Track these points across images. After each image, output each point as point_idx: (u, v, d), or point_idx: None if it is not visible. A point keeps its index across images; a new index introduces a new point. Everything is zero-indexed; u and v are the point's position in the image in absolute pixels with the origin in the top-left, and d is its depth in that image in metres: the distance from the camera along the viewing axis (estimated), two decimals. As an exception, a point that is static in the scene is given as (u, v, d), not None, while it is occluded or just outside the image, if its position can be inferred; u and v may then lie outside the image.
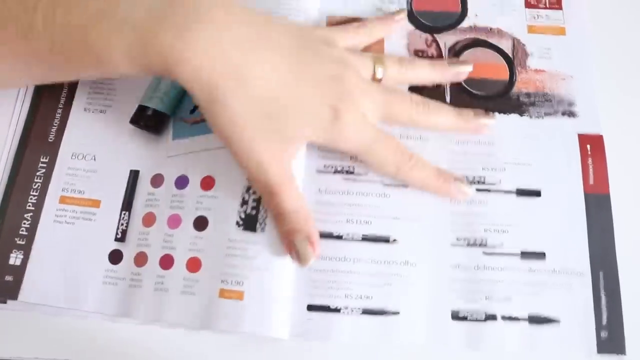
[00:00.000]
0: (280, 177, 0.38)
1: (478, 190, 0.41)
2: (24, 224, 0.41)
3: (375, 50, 0.45)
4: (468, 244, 0.40)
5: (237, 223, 0.39)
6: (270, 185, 0.38)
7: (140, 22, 0.34)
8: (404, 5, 0.47)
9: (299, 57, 0.38)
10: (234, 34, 0.36)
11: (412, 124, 0.42)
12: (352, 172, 0.42)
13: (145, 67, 0.35)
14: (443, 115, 0.42)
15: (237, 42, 0.36)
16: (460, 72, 0.43)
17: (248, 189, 0.40)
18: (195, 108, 0.43)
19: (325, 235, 0.40)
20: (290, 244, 0.38)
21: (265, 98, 0.36)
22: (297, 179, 0.40)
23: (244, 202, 0.40)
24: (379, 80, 0.41)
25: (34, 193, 0.42)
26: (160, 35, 0.34)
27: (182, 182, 0.42)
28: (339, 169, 0.42)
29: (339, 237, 0.40)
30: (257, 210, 0.40)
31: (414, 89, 0.44)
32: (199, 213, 0.41)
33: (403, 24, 0.46)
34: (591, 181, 0.42)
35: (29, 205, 0.42)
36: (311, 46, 0.39)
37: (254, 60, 0.36)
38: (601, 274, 0.40)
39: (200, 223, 0.40)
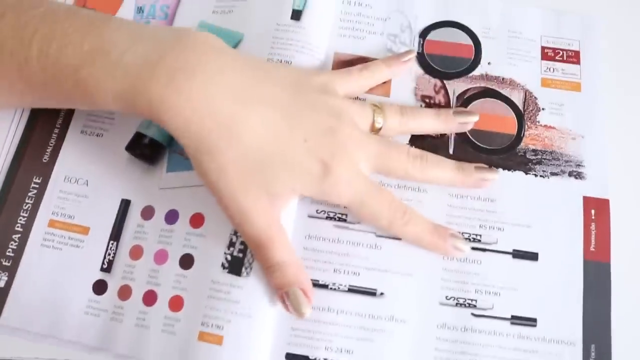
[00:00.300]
0: (268, 230, 0.37)
1: (473, 248, 0.40)
2: (11, 244, 0.41)
3: (381, 92, 0.44)
4: (457, 304, 0.39)
5: (223, 265, 0.39)
6: (257, 238, 0.37)
7: (132, 69, 0.34)
8: (415, 47, 0.46)
9: (292, 109, 0.37)
10: (225, 86, 0.35)
11: (408, 178, 0.41)
12: (344, 220, 0.41)
13: (135, 111, 0.35)
14: (441, 169, 0.40)
15: (228, 95, 0.35)
16: (466, 122, 0.42)
17: (236, 231, 0.39)
18: (191, 141, 0.43)
19: (310, 283, 0.39)
20: (283, 296, 0.38)
21: (254, 151, 0.36)
22: (286, 226, 0.39)
23: (231, 244, 0.39)
24: (378, 130, 0.40)
25: (24, 214, 0.42)
26: (151, 83, 0.34)
27: (172, 216, 0.41)
28: (331, 215, 0.41)
29: (325, 286, 0.40)
30: (244, 253, 0.39)
31: (417, 136, 0.43)
32: (186, 251, 0.40)
33: (410, 65, 0.45)
34: (592, 247, 0.40)
35: (18, 226, 0.41)
36: (306, 96, 0.38)
37: (244, 114, 0.36)
38: (593, 347, 0.38)
39: (186, 261, 0.40)
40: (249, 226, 0.37)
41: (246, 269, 0.39)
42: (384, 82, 0.44)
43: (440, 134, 0.43)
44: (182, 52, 0.35)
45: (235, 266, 0.39)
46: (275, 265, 0.37)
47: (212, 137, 0.35)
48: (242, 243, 0.39)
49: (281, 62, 0.43)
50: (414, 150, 0.40)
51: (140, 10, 0.47)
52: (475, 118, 0.42)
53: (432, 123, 0.42)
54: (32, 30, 0.35)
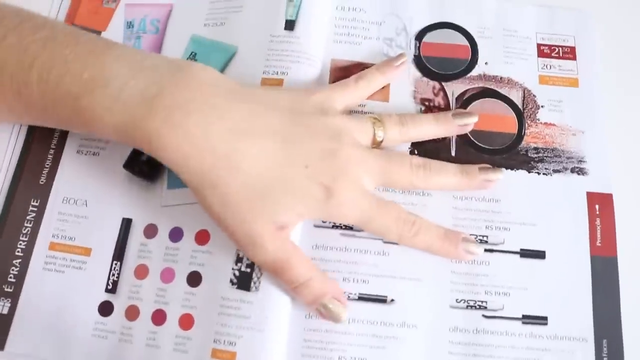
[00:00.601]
0: (282, 253, 0.37)
1: (481, 250, 0.40)
2: (12, 270, 0.40)
3: (380, 97, 0.44)
4: (468, 306, 0.39)
5: (231, 281, 0.38)
6: (273, 264, 0.37)
7: (131, 104, 0.35)
8: (412, 49, 0.45)
9: (290, 136, 0.37)
10: (221, 121, 0.36)
11: (413, 188, 0.41)
12: (350, 228, 0.41)
13: (134, 144, 0.36)
14: (445, 175, 0.40)
15: (225, 130, 0.36)
16: (465, 124, 0.42)
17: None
18: (191, 155, 0.42)
19: (320, 294, 0.39)
20: (320, 309, 0.38)
21: (256, 181, 0.36)
22: (293, 237, 0.39)
23: (239, 260, 0.39)
24: (380, 143, 0.40)
25: (24, 238, 0.41)
26: (149, 120, 0.34)
27: (176, 234, 0.40)
28: (337, 223, 0.41)
29: (335, 296, 0.39)
30: (252, 268, 0.39)
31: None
32: (193, 268, 0.39)
33: (403, 69, 0.44)
34: (598, 243, 0.41)
35: (18, 251, 0.41)
36: (304, 121, 0.38)
37: (243, 146, 0.36)
38: (604, 342, 0.39)
39: (194, 279, 0.39)
40: (262, 254, 0.37)
41: (255, 283, 0.38)
42: (382, 88, 0.44)
43: (442, 137, 0.43)
44: (177, 89, 0.35)
45: (243, 281, 0.38)
46: (300, 285, 0.37)
47: (212, 172, 0.35)
48: (250, 258, 0.39)
49: (277, 73, 0.43)
50: (417, 160, 0.40)
51: (130, 25, 0.47)
52: (474, 119, 0.42)
53: (432, 129, 0.42)
54: (33, 55, 0.35)
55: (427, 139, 0.42)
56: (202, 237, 0.40)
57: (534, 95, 0.44)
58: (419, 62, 0.45)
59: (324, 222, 0.41)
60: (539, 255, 0.40)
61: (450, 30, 0.46)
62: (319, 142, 0.38)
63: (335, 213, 0.38)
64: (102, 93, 0.35)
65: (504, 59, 0.45)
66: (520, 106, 0.44)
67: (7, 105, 0.37)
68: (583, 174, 0.42)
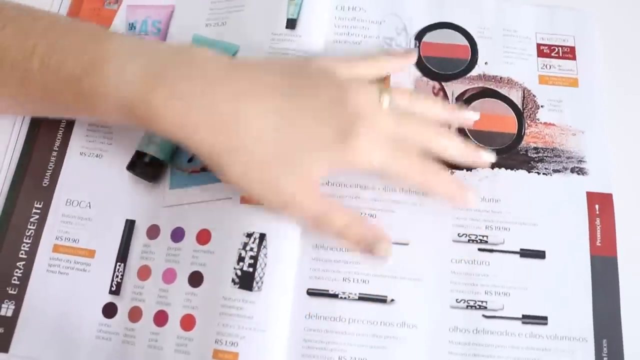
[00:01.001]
0: (319, 206, 0.38)
1: (480, 250, 0.40)
2: (16, 272, 0.41)
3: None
4: (468, 306, 0.39)
5: (233, 281, 0.39)
6: (313, 219, 0.38)
7: (134, 80, 0.34)
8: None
9: (296, 91, 0.37)
10: (226, 87, 0.36)
11: (423, 144, 0.40)
12: (351, 228, 0.41)
13: (136, 122, 0.36)
14: (451, 139, 0.41)
15: (230, 96, 0.36)
16: (469, 118, 0.42)
17: (245, 245, 0.39)
18: (192, 157, 0.42)
19: (320, 294, 0.39)
20: (365, 251, 0.39)
21: (271, 142, 0.36)
22: (293, 238, 0.40)
23: (241, 259, 0.39)
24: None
25: (27, 240, 0.41)
26: (153, 93, 0.34)
27: (178, 234, 0.41)
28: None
29: (335, 296, 0.40)
30: (254, 267, 0.39)
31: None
32: (194, 268, 0.40)
33: (412, 61, 0.44)
34: (598, 243, 0.41)
35: (22, 253, 0.41)
36: (307, 78, 0.38)
37: (251, 107, 0.36)
38: (604, 342, 0.39)
39: (195, 279, 0.40)
40: (299, 212, 0.37)
41: (257, 283, 0.39)
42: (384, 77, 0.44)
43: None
44: (179, 65, 0.35)
45: (246, 281, 0.39)
46: (340, 232, 0.38)
47: (224, 137, 0.35)
48: (252, 257, 0.39)
49: None
50: (426, 119, 0.41)
51: (131, 26, 0.47)
52: (476, 117, 0.42)
53: (439, 109, 0.42)
54: (33, 43, 0.36)
55: (430, 117, 0.42)
56: (204, 237, 0.40)
57: (533, 95, 0.44)
58: (419, 61, 0.45)
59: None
60: (539, 255, 0.40)
61: (450, 30, 0.46)
62: (325, 92, 0.37)
63: (355, 158, 0.37)
64: (104, 73, 0.35)
65: (504, 59, 0.45)
66: (520, 106, 0.44)
67: (9, 94, 0.37)
68: (583, 174, 0.42)
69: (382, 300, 0.39)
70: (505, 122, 0.44)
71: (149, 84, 0.34)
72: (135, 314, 0.40)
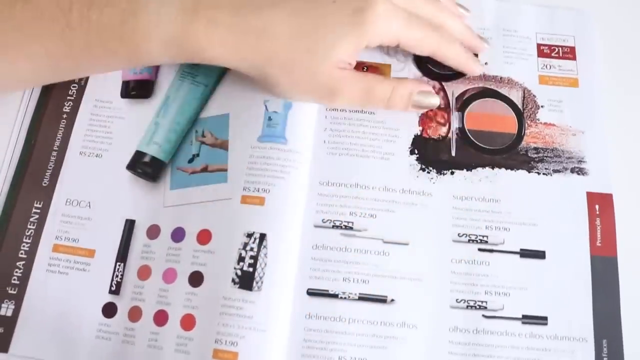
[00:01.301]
0: (361, 84, 0.41)
1: (480, 250, 0.40)
2: (16, 272, 0.41)
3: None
4: (468, 306, 0.39)
5: (233, 280, 0.39)
6: (358, 98, 0.41)
7: (173, 15, 0.37)
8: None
9: None
10: (250, 6, 0.39)
11: (433, 20, 0.42)
12: (351, 228, 0.41)
13: (184, 55, 0.39)
14: (454, 19, 0.44)
15: (256, 9, 0.38)
16: (480, 46, 0.45)
17: (245, 245, 0.39)
18: (193, 157, 0.42)
19: (320, 294, 0.39)
20: (415, 107, 0.43)
21: (298, 35, 0.39)
22: (293, 237, 0.40)
23: (241, 259, 0.39)
24: None
25: (27, 240, 0.41)
26: (194, 24, 0.37)
27: (178, 234, 0.41)
28: (337, 223, 0.41)
29: (335, 296, 0.39)
30: (254, 267, 0.39)
31: (420, 136, 0.43)
32: (195, 268, 0.40)
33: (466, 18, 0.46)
34: (598, 243, 0.41)
35: (22, 253, 0.41)
36: None
37: (277, 19, 0.39)
38: (604, 342, 0.39)
39: (196, 278, 0.40)
40: (343, 96, 0.41)
41: (257, 283, 0.39)
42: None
43: (442, 137, 0.43)
44: None
45: (246, 281, 0.39)
46: (387, 101, 0.42)
47: (261, 51, 0.39)
48: (252, 257, 0.39)
49: None
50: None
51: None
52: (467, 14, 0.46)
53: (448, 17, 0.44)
54: None
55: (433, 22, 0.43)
56: (204, 237, 0.40)
57: (534, 95, 0.44)
58: (418, 62, 0.45)
59: (323, 221, 0.41)
60: (539, 255, 0.40)
61: (450, 31, 0.46)
62: None
63: (375, 29, 0.39)
64: (144, 13, 0.37)
65: (504, 59, 0.45)
66: (520, 106, 0.44)
67: (46, 52, 0.38)
68: (583, 174, 0.42)
69: (382, 300, 0.39)
70: (505, 122, 0.44)
71: (187, 17, 0.37)
72: (135, 314, 0.40)
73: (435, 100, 0.42)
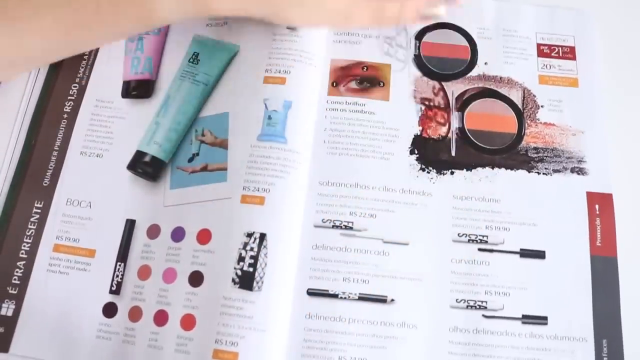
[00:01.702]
0: (372, 3, 0.41)
1: (480, 250, 0.40)
2: (17, 272, 0.41)
3: (379, 96, 0.44)
4: (468, 306, 0.39)
5: (233, 280, 0.39)
6: (374, 19, 0.41)
7: None
8: (412, 49, 0.45)
9: None
10: None
11: None
12: (350, 228, 0.41)
13: (195, 8, 0.39)
14: None
15: None
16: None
17: (245, 245, 0.39)
18: (193, 156, 0.42)
19: (320, 294, 0.40)
20: (423, 20, 0.44)
21: None
22: (293, 237, 0.40)
23: (241, 259, 0.39)
24: None
25: (28, 240, 0.41)
26: None
27: (178, 234, 0.41)
28: (337, 223, 0.41)
29: (335, 296, 0.40)
30: (254, 267, 0.39)
31: (419, 136, 0.43)
32: (195, 268, 0.40)
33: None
34: (598, 243, 0.41)
35: (22, 253, 0.41)
36: None
37: None
38: (604, 342, 0.39)
39: (196, 278, 0.40)
40: (354, 23, 0.43)
41: (257, 283, 0.39)
42: (382, 86, 0.44)
43: (442, 136, 0.43)
44: None
45: (246, 281, 0.39)
46: (400, 16, 0.41)
47: None
48: (252, 257, 0.39)
49: (280, 72, 0.43)
50: None
51: (132, 26, 0.47)
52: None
53: None
54: None
55: None
56: (204, 237, 0.40)
57: (533, 95, 0.44)
58: (419, 61, 0.45)
59: (323, 221, 0.41)
60: (539, 255, 0.40)
61: (449, 31, 0.46)
62: None
63: None
64: None
65: (504, 59, 0.45)
66: (520, 106, 0.44)
67: (56, 22, 0.37)
68: (583, 174, 0.42)
69: (382, 300, 0.39)
70: (505, 122, 0.44)
71: None
72: (135, 314, 0.40)
73: (441, 11, 0.42)
